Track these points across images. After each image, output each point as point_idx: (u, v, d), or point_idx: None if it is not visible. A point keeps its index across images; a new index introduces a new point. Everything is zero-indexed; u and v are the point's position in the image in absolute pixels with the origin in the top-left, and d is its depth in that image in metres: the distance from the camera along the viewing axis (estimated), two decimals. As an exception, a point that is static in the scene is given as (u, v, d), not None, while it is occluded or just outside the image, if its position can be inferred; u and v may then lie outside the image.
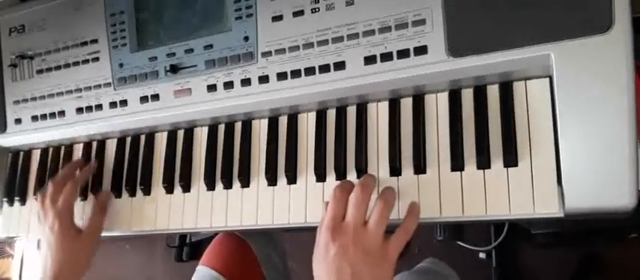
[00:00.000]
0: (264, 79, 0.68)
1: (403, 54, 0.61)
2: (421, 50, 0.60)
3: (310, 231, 0.59)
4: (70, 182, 0.76)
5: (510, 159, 0.57)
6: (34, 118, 0.83)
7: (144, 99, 0.75)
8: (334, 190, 0.58)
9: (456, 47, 0.58)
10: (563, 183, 0.54)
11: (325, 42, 0.64)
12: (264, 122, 0.72)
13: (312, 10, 0.65)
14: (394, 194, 0.59)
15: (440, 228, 1.14)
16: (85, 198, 0.82)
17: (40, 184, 0.86)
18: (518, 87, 0.59)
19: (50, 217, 0.74)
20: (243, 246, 0.89)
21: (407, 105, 0.64)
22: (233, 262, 0.86)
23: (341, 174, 0.65)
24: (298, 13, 0.66)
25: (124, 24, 0.77)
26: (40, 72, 0.83)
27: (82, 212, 0.81)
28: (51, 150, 0.87)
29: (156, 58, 0.75)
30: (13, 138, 0.86)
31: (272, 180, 0.69)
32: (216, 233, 0.95)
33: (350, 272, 0.53)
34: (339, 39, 0.64)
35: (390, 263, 0.55)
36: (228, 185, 0.72)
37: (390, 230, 0.57)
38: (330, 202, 0.57)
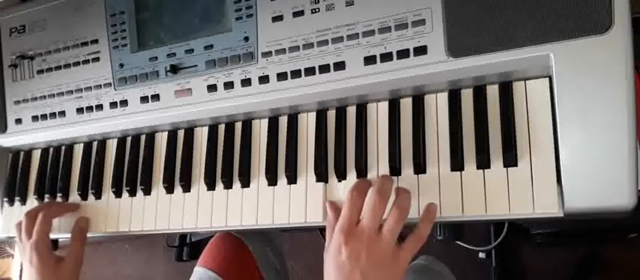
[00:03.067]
0: (264, 79, 0.68)
1: (403, 54, 0.61)
2: (421, 50, 0.60)
3: (310, 231, 0.59)
4: (42, 213, 0.77)
5: (510, 158, 0.57)
6: (35, 118, 0.83)
7: (144, 99, 0.75)
8: (351, 191, 0.57)
9: (456, 47, 0.58)
10: (562, 183, 0.54)
11: (325, 42, 0.64)
12: (265, 122, 0.72)
13: (312, 10, 0.65)
14: (409, 199, 0.58)
15: (440, 228, 1.14)
16: (85, 198, 0.82)
17: (41, 184, 0.86)
18: (517, 87, 0.59)
19: (27, 251, 0.75)
20: (241, 247, 0.89)
21: (407, 105, 0.64)
22: (230, 262, 0.86)
23: (341, 174, 0.65)
24: (298, 14, 0.66)
25: (124, 24, 0.77)
26: (40, 72, 0.83)
27: (82, 213, 0.82)
28: (51, 150, 0.88)
29: (156, 58, 0.75)
30: (14, 138, 0.86)
31: (272, 180, 0.69)
32: (216, 233, 0.95)
33: (360, 278, 0.53)
34: (339, 39, 0.64)
35: (401, 271, 0.55)
36: (228, 185, 0.72)
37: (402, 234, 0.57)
38: (346, 203, 0.57)
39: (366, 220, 0.55)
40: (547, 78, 0.57)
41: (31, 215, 0.77)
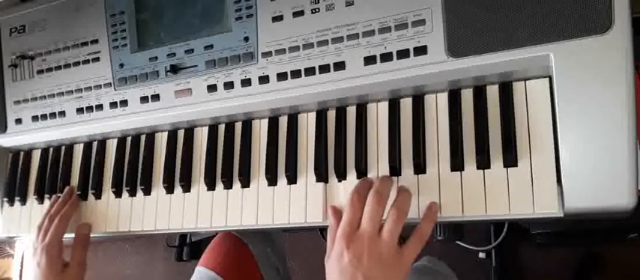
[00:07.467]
0: (264, 79, 0.68)
1: (403, 54, 0.61)
2: (421, 50, 0.60)
3: (310, 231, 0.59)
4: (59, 217, 0.77)
5: (510, 158, 0.57)
6: (35, 118, 0.83)
7: (144, 99, 0.75)
8: (351, 195, 0.58)
9: (456, 47, 0.58)
10: (562, 183, 0.54)
11: (325, 42, 0.64)
12: (265, 122, 0.72)
13: (312, 10, 0.65)
14: (409, 198, 0.58)
15: (440, 228, 1.14)
16: (85, 198, 0.82)
17: (41, 184, 0.86)
18: (517, 87, 0.59)
19: (38, 252, 0.76)
20: (242, 247, 0.89)
21: (407, 105, 0.64)
22: (231, 263, 0.86)
23: (341, 174, 0.65)
24: (298, 14, 0.66)
25: (124, 24, 0.77)
26: (40, 72, 0.83)
27: (83, 212, 0.82)
28: (51, 150, 0.88)
29: (156, 58, 0.75)
30: (14, 138, 0.86)
31: (272, 180, 0.69)
32: (216, 233, 0.95)
33: None
34: (339, 39, 0.64)
35: (404, 271, 0.56)
36: (228, 185, 0.72)
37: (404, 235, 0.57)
38: (346, 207, 0.57)
39: (366, 223, 0.55)
40: (547, 79, 0.57)
41: (50, 218, 0.78)
